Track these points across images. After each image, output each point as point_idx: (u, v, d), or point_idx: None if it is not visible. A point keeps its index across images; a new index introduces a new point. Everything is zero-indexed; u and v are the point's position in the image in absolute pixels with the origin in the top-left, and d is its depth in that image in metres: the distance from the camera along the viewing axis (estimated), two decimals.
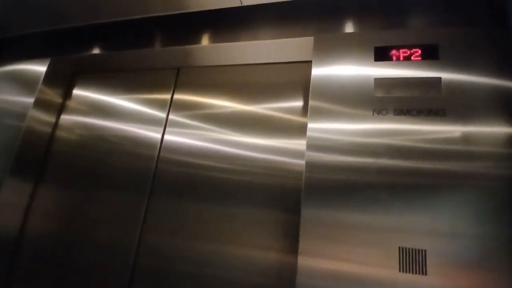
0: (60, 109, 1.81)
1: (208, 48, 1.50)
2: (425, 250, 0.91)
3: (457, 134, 1.00)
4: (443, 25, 1.17)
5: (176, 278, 1.29)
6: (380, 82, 1.12)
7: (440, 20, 1.18)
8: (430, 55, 1.10)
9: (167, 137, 1.53)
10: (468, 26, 1.14)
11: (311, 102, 1.18)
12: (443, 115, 1.02)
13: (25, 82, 1.74)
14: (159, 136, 1.54)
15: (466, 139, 0.98)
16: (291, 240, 1.18)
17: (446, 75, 1.07)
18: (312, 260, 0.99)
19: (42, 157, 1.72)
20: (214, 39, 1.48)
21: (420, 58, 1.11)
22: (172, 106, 1.59)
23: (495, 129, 0.97)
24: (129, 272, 1.36)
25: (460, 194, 0.94)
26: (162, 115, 1.58)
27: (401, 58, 1.13)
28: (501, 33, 1.07)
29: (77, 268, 1.45)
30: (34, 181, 1.68)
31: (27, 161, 1.65)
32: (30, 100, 1.68)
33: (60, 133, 1.77)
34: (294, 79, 1.42)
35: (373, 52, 1.17)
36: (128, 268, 1.37)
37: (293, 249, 1.09)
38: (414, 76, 1.09)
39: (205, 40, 1.50)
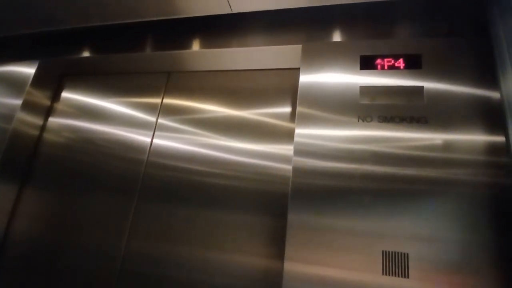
0: (48, 112, 1.79)
1: (198, 54, 1.52)
2: (407, 254, 0.93)
3: (438, 142, 1.02)
4: (427, 36, 1.20)
5: (163, 284, 1.29)
6: (365, 90, 1.15)
7: (423, 31, 1.22)
8: (413, 64, 1.14)
9: (156, 141, 1.53)
10: (450, 36, 1.17)
11: (298, 108, 1.20)
12: (425, 122, 1.05)
13: (13, 84, 1.72)
14: (148, 140, 1.54)
15: (447, 146, 1.01)
16: (278, 245, 1.19)
17: (428, 84, 1.10)
18: (298, 265, 1.00)
19: (28, 160, 1.69)
20: (205, 44, 1.50)
21: (403, 67, 1.14)
22: (161, 110, 1.59)
23: (475, 137, 1.01)
24: (115, 277, 1.35)
25: (441, 200, 0.96)
26: (152, 119, 1.58)
27: (386, 67, 1.16)
28: (482, 43, 1.10)
29: (63, 273, 1.43)
30: (20, 184, 1.65)
31: (13, 164, 1.63)
32: (18, 102, 1.66)
33: (47, 136, 1.75)
34: (283, 86, 1.44)
35: (359, 60, 1.20)
36: (115, 273, 1.35)
37: (280, 254, 1.10)
38: (397, 85, 1.12)
39: (195, 46, 1.52)
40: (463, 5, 1.20)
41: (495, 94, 1.03)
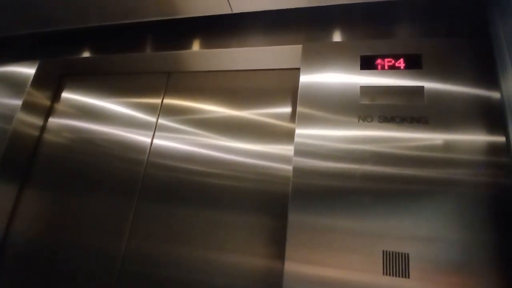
0: (48, 112, 1.79)
1: (198, 54, 1.52)
2: (407, 254, 0.93)
3: (438, 142, 1.02)
4: (427, 36, 1.20)
5: (163, 284, 1.29)
6: (366, 90, 1.15)
7: (423, 31, 1.22)
8: (414, 64, 1.14)
9: (156, 141, 1.53)
10: (450, 36, 1.17)
11: (299, 109, 1.20)
12: (426, 122, 1.05)
13: (13, 84, 1.72)
14: (148, 140, 1.54)
15: (447, 146, 1.01)
16: (278, 246, 1.19)
17: (429, 84, 1.10)
18: (298, 265, 1.00)
19: (28, 160, 1.69)
20: (205, 45, 1.50)
21: (404, 67, 1.14)
22: (162, 110, 1.59)
23: (475, 137, 1.01)
24: (115, 277, 1.35)
25: (441, 200, 0.96)
26: (152, 119, 1.59)
27: (386, 67, 1.16)
28: (482, 43, 1.10)
29: (63, 273, 1.43)
30: (20, 184, 1.65)
31: (13, 164, 1.63)
32: (18, 102, 1.66)
33: (47, 136, 1.75)
34: (283, 86, 1.44)
35: (359, 60, 1.20)
36: (115, 273, 1.36)
37: (280, 254, 1.10)
38: (398, 85, 1.13)
39: (195, 46, 1.52)
40: (463, 5, 1.20)
41: (495, 94, 1.04)
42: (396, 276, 0.92)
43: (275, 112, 1.42)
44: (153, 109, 1.61)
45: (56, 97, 1.83)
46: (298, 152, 1.14)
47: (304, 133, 1.16)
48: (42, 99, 1.77)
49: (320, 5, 1.29)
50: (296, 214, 1.06)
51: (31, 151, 1.71)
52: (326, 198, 1.05)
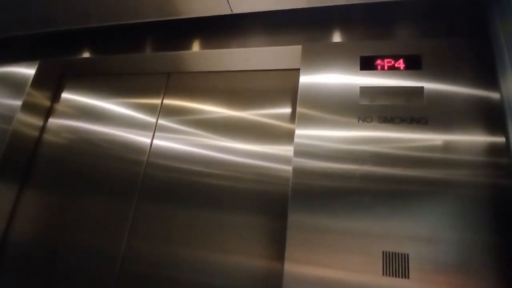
0: (48, 112, 1.79)
1: (198, 54, 1.52)
2: (407, 254, 0.93)
3: (438, 142, 1.02)
4: (427, 36, 1.20)
5: (163, 284, 1.29)
6: (366, 91, 1.15)
7: (423, 31, 1.22)
8: (413, 65, 1.14)
9: (156, 142, 1.53)
10: (450, 36, 1.17)
11: (298, 109, 1.20)
12: (425, 123, 1.05)
13: (13, 85, 1.72)
14: (148, 141, 1.54)
15: (447, 147, 1.01)
16: (278, 246, 1.19)
17: (429, 85, 1.10)
18: (298, 266, 1.00)
19: (28, 161, 1.69)
20: (205, 45, 1.50)
21: (403, 68, 1.14)
22: (161, 111, 1.59)
23: (475, 138, 1.01)
24: (115, 278, 1.35)
25: (441, 200, 0.96)
26: (152, 119, 1.59)
27: (386, 68, 1.16)
28: (482, 43, 1.10)
29: (63, 274, 1.43)
30: (19, 184, 1.65)
31: (13, 165, 1.63)
32: (18, 103, 1.66)
33: (47, 136, 1.75)
34: (283, 86, 1.44)
35: (359, 61, 1.20)
36: (114, 275, 1.35)
37: (280, 255, 1.10)
38: (397, 85, 1.13)
39: (195, 47, 1.52)
40: (463, 5, 1.20)
41: (495, 95, 1.04)
42: (396, 276, 0.92)
43: (275, 113, 1.42)
44: (153, 110, 1.61)
45: (56, 97, 1.83)
46: (298, 153, 1.14)
47: (304, 133, 1.16)
48: (42, 99, 1.77)
49: (320, 5, 1.29)
50: (296, 215, 1.06)
51: (31, 151, 1.71)
52: (326, 199, 1.05)
